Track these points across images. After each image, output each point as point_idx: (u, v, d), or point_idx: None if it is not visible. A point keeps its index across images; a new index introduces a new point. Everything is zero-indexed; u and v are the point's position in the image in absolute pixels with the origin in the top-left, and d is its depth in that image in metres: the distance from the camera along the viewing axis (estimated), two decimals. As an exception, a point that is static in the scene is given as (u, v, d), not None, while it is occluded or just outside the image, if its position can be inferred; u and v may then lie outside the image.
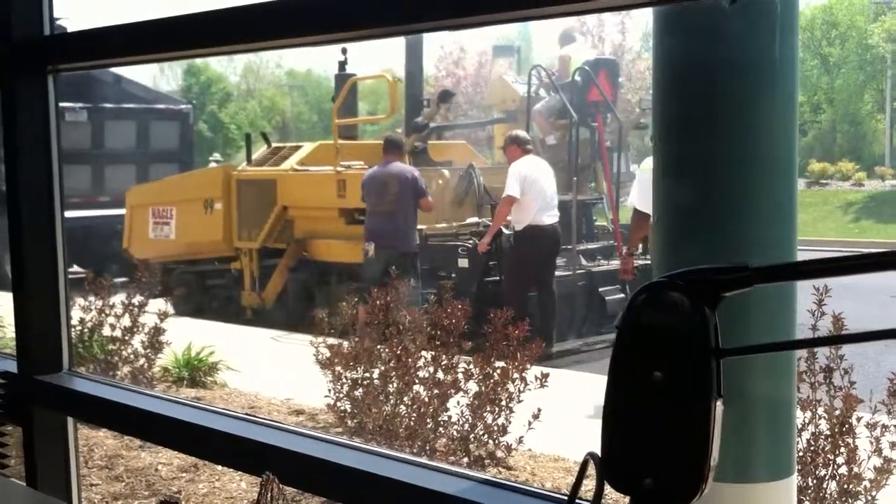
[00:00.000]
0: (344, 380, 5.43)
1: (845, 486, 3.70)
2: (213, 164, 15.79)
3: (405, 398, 5.07)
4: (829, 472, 3.72)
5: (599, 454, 0.72)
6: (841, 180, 25.64)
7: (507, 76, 12.10)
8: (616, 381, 0.71)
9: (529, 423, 4.80)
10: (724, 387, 0.69)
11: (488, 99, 12.36)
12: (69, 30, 2.54)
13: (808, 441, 3.73)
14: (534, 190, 8.68)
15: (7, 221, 2.28)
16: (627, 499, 0.71)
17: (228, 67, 45.92)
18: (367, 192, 9.04)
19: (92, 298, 6.69)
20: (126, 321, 6.60)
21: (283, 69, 47.63)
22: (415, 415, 5.00)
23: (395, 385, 5.14)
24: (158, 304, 7.76)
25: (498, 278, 9.04)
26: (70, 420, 2.36)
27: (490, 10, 1.44)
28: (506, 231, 8.97)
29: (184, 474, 4.94)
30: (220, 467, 4.81)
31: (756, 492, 1.48)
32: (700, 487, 0.68)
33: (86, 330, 6.60)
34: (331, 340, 5.73)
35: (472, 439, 5.00)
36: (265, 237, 10.80)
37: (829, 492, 3.72)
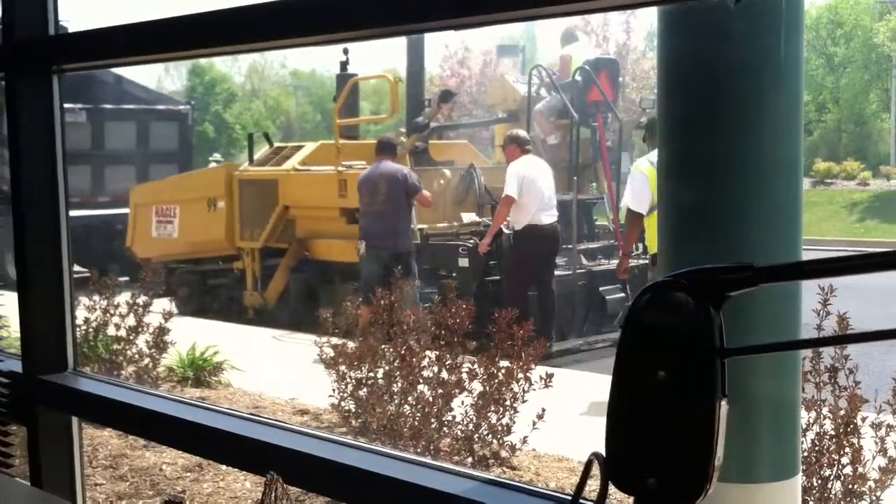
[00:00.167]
0: (348, 379, 5.44)
1: (850, 487, 3.69)
2: (213, 165, 15.83)
3: (409, 398, 5.07)
4: (834, 472, 3.71)
5: (603, 454, 0.72)
6: (846, 180, 25.60)
7: (508, 76, 12.11)
8: (620, 381, 0.71)
9: (534, 423, 4.80)
10: (729, 386, 0.69)
11: (489, 99, 12.37)
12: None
13: (812, 441, 3.72)
14: (532, 190, 8.68)
15: (10, 222, 2.28)
16: (632, 499, 0.71)
17: (233, 67, 45.99)
18: (361, 192, 9.07)
19: (97, 298, 6.71)
20: (130, 321, 6.61)
21: (287, 69, 47.68)
22: (419, 415, 5.00)
23: (399, 385, 5.14)
24: (163, 304, 7.77)
25: (498, 278, 9.04)
26: (74, 420, 2.36)
27: (493, 10, 1.44)
28: (506, 231, 8.97)
29: (188, 474, 4.94)
30: (224, 467, 4.81)
31: (760, 492, 1.47)
32: (704, 487, 0.68)
33: (90, 330, 6.61)
34: (334, 340, 5.73)
35: (477, 439, 5.00)
36: (267, 237, 10.83)
37: (833, 492, 3.71)
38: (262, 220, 10.85)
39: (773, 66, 1.44)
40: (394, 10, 1.57)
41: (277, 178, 10.82)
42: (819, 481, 3.71)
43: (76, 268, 2.39)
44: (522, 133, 9.31)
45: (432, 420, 4.96)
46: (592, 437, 5.11)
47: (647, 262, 7.36)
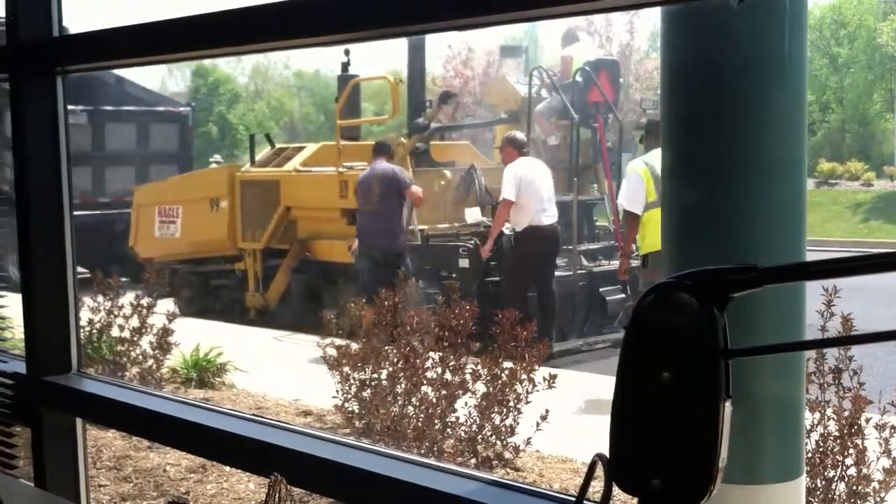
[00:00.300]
0: (352, 381, 5.44)
1: (854, 488, 3.69)
2: (213, 166, 15.88)
3: (413, 399, 5.07)
4: (838, 473, 3.71)
5: (607, 455, 0.72)
6: (850, 180, 25.57)
7: (510, 77, 12.12)
8: (624, 382, 0.71)
9: (537, 425, 4.79)
10: (733, 388, 0.69)
11: (490, 99, 12.37)
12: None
13: (816, 442, 3.72)
14: (530, 191, 8.69)
15: (13, 223, 2.28)
16: (635, 500, 0.71)
17: (237, 68, 46.03)
18: (357, 193, 9.15)
19: (101, 299, 6.72)
20: (134, 322, 6.62)
21: (291, 70, 47.72)
22: (422, 416, 5.00)
23: (402, 386, 5.14)
24: (166, 305, 7.78)
25: (498, 279, 9.05)
26: (78, 421, 2.36)
27: (496, 11, 1.44)
28: (506, 232, 8.98)
29: (192, 475, 4.95)
30: (228, 468, 4.81)
31: (765, 493, 1.47)
32: (708, 488, 0.68)
33: (94, 331, 6.62)
34: (338, 341, 5.74)
35: (480, 440, 4.99)
36: (268, 238, 10.86)
37: (837, 493, 3.71)
38: (263, 221, 10.89)
39: (776, 66, 1.44)
40: (396, 11, 1.57)
41: (279, 179, 10.84)
42: (823, 482, 3.70)
43: (78, 269, 2.39)
44: (519, 135, 9.33)
45: (436, 421, 4.96)
46: (594, 437, 5.10)
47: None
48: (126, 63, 2.41)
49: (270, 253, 11.00)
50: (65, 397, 2.29)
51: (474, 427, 4.96)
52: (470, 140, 13.54)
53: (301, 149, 11.57)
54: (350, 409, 5.50)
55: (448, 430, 4.99)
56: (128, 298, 6.78)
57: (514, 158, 8.85)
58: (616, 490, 0.72)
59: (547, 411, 4.79)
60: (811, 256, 0.96)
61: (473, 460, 4.92)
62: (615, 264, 9.32)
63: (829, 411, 3.74)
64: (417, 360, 5.05)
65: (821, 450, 3.71)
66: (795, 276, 0.77)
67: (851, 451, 3.68)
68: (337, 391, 5.51)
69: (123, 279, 6.90)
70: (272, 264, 10.99)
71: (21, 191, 2.28)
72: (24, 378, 2.35)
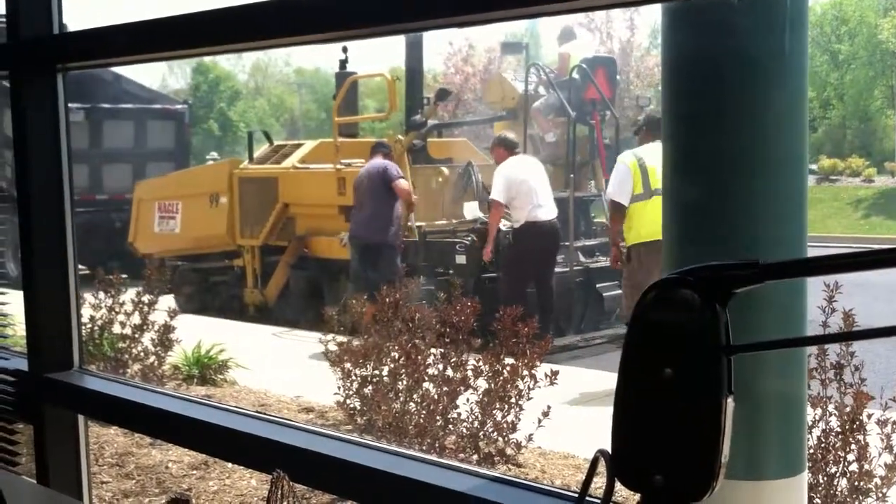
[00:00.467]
0: (353, 377, 5.44)
1: (856, 483, 3.69)
2: (210, 164, 15.92)
3: (414, 395, 5.07)
4: (840, 469, 3.71)
5: (609, 451, 0.72)
6: (851, 176, 25.56)
7: (507, 74, 12.13)
8: (626, 378, 0.71)
9: (539, 421, 4.80)
10: (735, 383, 0.69)
11: (487, 97, 12.39)
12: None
13: (818, 438, 3.72)
14: (522, 190, 8.70)
15: (13, 220, 2.29)
16: (638, 496, 0.71)
17: (237, 65, 46.04)
18: (354, 190, 9.26)
19: (102, 295, 6.72)
20: (136, 319, 6.62)
21: (291, 67, 47.74)
22: (424, 412, 5.00)
23: (404, 382, 5.14)
24: (167, 302, 7.79)
25: (495, 275, 9.07)
26: (81, 418, 2.37)
27: (497, 8, 1.44)
28: (503, 228, 8.99)
29: (194, 472, 4.95)
30: (230, 465, 4.82)
31: (767, 489, 1.47)
32: (711, 484, 0.68)
33: (95, 328, 6.62)
34: (339, 338, 5.74)
35: (482, 437, 5.00)
36: (267, 234, 10.90)
37: (839, 489, 3.71)
38: (262, 218, 10.93)
39: (777, 62, 1.44)
40: (396, 8, 1.57)
41: (277, 175, 10.89)
42: (825, 478, 3.70)
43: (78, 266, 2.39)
44: (510, 135, 9.35)
45: (437, 418, 4.96)
46: (594, 432, 5.12)
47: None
48: (127, 60, 2.41)
49: (269, 250, 11.04)
50: (67, 394, 2.29)
51: (476, 423, 4.96)
52: (471, 137, 13.53)
53: (299, 146, 11.61)
54: (352, 405, 5.50)
55: (450, 426, 4.99)
56: (128, 295, 6.78)
57: (504, 159, 8.88)
58: (618, 486, 0.72)
59: (549, 407, 4.80)
60: (812, 253, 0.96)
61: (475, 457, 4.92)
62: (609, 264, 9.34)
63: (830, 407, 3.75)
64: (419, 357, 5.05)
65: (823, 446, 3.71)
66: (797, 273, 0.77)
67: (853, 446, 3.68)
68: (338, 388, 5.52)
69: (123, 276, 6.91)
70: (271, 261, 11.02)
71: (22, 188, 2.28)
72: (27, 375, 2.35)
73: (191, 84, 42.16)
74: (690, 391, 0.68)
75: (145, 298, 6.68)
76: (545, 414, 4.79)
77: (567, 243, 9.42)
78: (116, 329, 6.66)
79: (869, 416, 3.71)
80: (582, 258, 9.73)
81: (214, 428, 1.91)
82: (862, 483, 3.68)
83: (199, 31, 1.93)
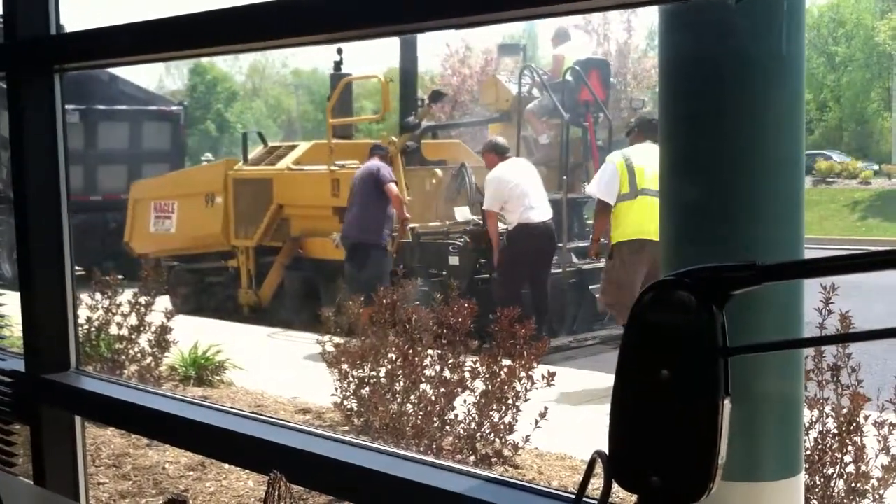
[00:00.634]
0: (350, 378, 5.44)
1: (853, 485, 3.69)
2: (204, 164, 15.94)
3: (412, 396, 5.07)
4: (837, 470, 3.71)
5: (606, 453, 0.72)
6: (848, 178, 25.59)
7: (501, 76, 12.15)
8: (623, 380, 0.71)
9: (536, 422, 4.80)
10: (732, 385, 0.69)
11: (483, 99, 12.42)
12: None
13: (815, 439, 3.72)
14: (515, 193, 8.72)
15: (9, 221, 2.29)
16: (635, 497, 0.71)
17: (234, 67, 46.07)
18: (349, 191, 9.30)
19: (98, 297, 6.72)
20: (132, 320, 6.62)
21: (288, 68, 47.77)
22: (421, 413, 5.00)
23: (401, 383, 5.14)
24: (163, 303, 7.78)
25: (488, 276, 9.08)
26: (77, 419, 2.37)
27: (494, 10, 1.44)
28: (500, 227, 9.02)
29: (191, 473, 4.95)
30: (227, 466, 4.82)
31: (764, 490, 1.47)
32: (708, 486, 0.68)
33: (92, 329, 6.62)
34: (335, 339, 5.74)
35: (479, 438, 5.00)
36: (261, 235, 10.94)
37: (836, 490, 3.71)
38: (256, 219, 10.97)
39: (774, 64, 1.44)
40: (395, 10, 1.57)
41: (272, 177, 10.93)
42: (822, 480, 3.71)
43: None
44: (500, 140, 9.35)
45: (434, 419, 4.96)
46: (589, 433, 5.12)
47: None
48: (124, 61, 2.41)
49: (263, 250, 11.06)
50: (64, 395, 2.29)
51: (473, 424, 4.96)
52: (468, 138, 13.55)
53: (293, 147, 11.65)
54: (349, 406, 5.50)
55: (447, 427, 4.99)
56: (125, 297, 6.78)
57: (495, 164, 8.90)
58: (615, 487, 0.72)
59: (546, 408, 4.80)
60: (809, 254, 0.97)
61: (472, 458, 4.92)
62: (604, 261, 9.36)
63: (827, 409, 3.75)
64: (416, 358, 5.05)
65: (820, 447, 3.71)
66: (794, 274, 0.77)
67: (850, 448, 3.68)
68: (335, 388, 5.52)
69: (118, 277, 6.91)
70: (265, 262, 11.05)
71: (19, 189, 2.28)
72: (23, 376, 2.35)
73: (188, 85, 42.16)
74: (687, 392, 0.68)
75: (142, 299, 6.68)
76: (542, 415, 4.79)
77: (560, 244, 9.43)
78: (113, 330, 6.66)
79: (866, 418, 3.71)
80: (575, 259, 9.74)
81: (211, 429, 1.91)
82: (859, 485, 3.69)
83: (196, 32, 1.93)
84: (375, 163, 9.10)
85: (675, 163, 1.54)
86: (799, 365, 1.59)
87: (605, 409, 0.72)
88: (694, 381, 0.68)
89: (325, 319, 5.99)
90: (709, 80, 1.46)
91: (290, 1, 1.73)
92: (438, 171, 10.42)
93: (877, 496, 3.69)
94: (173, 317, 6.67)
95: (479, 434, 4.99)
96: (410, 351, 5.08)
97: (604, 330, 9.36)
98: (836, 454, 3.70)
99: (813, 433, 3.72)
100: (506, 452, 5.04)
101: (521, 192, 8.73)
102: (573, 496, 1.44)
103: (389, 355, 5.24)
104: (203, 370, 7.06)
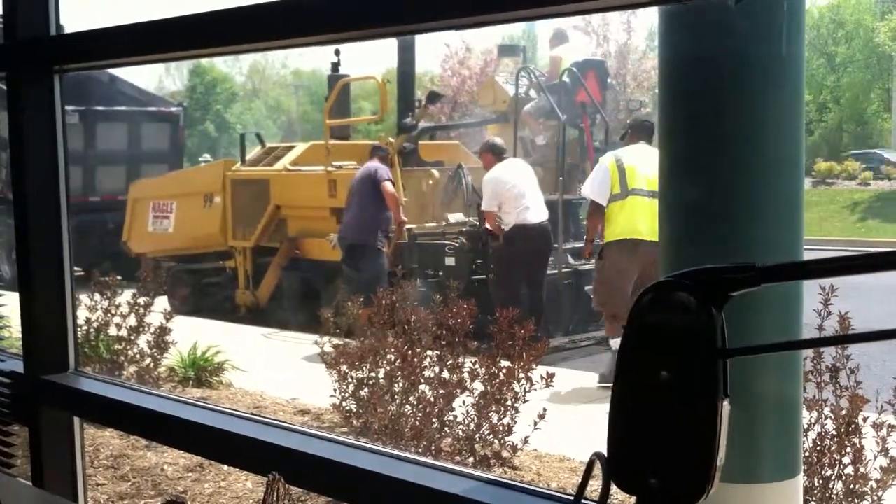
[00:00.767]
0: (349, 379, 5.44)
1: (851, 487, 3.69)
2: (202, 165, 15.95)
3: (410, 398, 5.07)
4: (836, 472, 3.71)
5: (605, 454, 0.72)
6: (847, 179, 25.60)
7: (499, 77, 12.17)
8: (622, 381, 0.71)
9: (535, 423, 4.79)
10: (731, 387, 0.69)
11: (481, 100, 12.43)
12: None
13: (814, 441, 3.72)
14: (511, 194, 8.74)
15: (9, 222, 2.29)
16: (633, 499, 0.71)
17: (234, 67, 46.08)
18: (349, 192, 9.33)
19: (97, 297, 6.72)
20: (131, 321, 6.62)
21: (288, 69, 47.79)
22: (420, 414, 5.00)
23: (400, 385, 5.14)
24: (162, 304, 7.78)
25: (484, 277, 9.08)
26: (76, 420, 2.36)
27: (495, 10, 1.44)
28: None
29: (189, 474, 4.94)
30: (225, 467, 4.81)
31: (763, 492, 1.47)
32: (706, 488, 0.68)
33: (91, 330, 6.62)
34: (335, 340, 5.74)
35: (478, 439, 5.00)
36: (259, 236, 10.95)
37: (835, 492, 3.71)
38: (253, 220, 10.99)
39: (774, 65, 1.44)
40: (395, 11, 1.57)
41: (269, 177, 10.93)
42: (821, 481, 3.70)
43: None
44: (497, 141, 9.37)
45: (433, 420, 4.96)
46: (586, 434, 5.11)
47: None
48: (124, 62, 2.40)
49: (261, 251, 11.07)
50: (62, 396, 2.29)
51: (472, 426, 4.96)
52: (467, 139, 13.56)
53: (291, 148, 11.67)
54: (348, 407, 5.49)
55: (446, 428, 4.99)
56: (124, 297, 6.78)
57: (492, 164, 8.92)
58: (614, 489, 0.72)
59: (545, 410, 4.80)
60: (809, 255, 0.97)
61: (471, 459, 4.92)
62: (594, 261, 9.36)
63: (826, 410, 3.75)
64: (415, 359, 5.05)
65: (818, 448, 3.71)
66: (793, 276, 0.77)
67: (849, 449, 3.68)
68: (334, 390, 5.51)
69: (117, 278, 6.91)
70: (262, 262, 11.06)
71: (19, 190, 2.28)
72: (22, 377, 2.35)
73: (187, 86, 42.16)
74: (686, 394, 0.68)
75: (141, 300, 6.68)
76: (541, 416, 4.79)
77: (556, 245, 9.44)
78: (112, 331, 6.66)
79: (864, 420, 3.71)
80: (571, 260, 9.74)
81: (210, 430, 1.91)
82: (857, 486, 3.68)
83: (197, 33, 1.93)
84: (374, 164, 9.13)
85: (675, 163, 1.54)
86: (798, 366, 1.59)
87: (604, 409, 0.72)
88: (693, 383, 0.68)
89: (323, 320, 6.00)
90: (708, 81, 1.46)
91: (292, 1, 1.73)
92: (435, 172, 10.44)
93: (875, 498, 3.69)
94: (172, 318, 6.67)
95: (477, 435, 4.98)
96: (409, 352, 5.08)
97: (600, 331, 9.37)
98: (834, 456, 3.69)
99: (812, 435, 3.72)
100: (504, 454, 5.04)
101: (517, 192, 8.74)
102: (572, 498, 1.44)
103: (388, 356, 5.24)
104: (202, 371, 7.06)
